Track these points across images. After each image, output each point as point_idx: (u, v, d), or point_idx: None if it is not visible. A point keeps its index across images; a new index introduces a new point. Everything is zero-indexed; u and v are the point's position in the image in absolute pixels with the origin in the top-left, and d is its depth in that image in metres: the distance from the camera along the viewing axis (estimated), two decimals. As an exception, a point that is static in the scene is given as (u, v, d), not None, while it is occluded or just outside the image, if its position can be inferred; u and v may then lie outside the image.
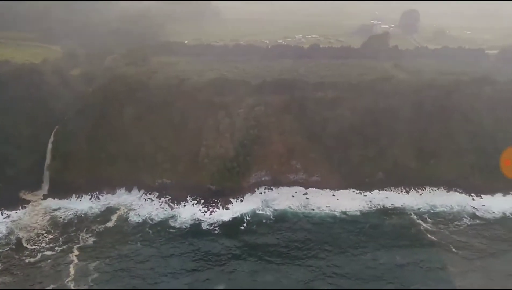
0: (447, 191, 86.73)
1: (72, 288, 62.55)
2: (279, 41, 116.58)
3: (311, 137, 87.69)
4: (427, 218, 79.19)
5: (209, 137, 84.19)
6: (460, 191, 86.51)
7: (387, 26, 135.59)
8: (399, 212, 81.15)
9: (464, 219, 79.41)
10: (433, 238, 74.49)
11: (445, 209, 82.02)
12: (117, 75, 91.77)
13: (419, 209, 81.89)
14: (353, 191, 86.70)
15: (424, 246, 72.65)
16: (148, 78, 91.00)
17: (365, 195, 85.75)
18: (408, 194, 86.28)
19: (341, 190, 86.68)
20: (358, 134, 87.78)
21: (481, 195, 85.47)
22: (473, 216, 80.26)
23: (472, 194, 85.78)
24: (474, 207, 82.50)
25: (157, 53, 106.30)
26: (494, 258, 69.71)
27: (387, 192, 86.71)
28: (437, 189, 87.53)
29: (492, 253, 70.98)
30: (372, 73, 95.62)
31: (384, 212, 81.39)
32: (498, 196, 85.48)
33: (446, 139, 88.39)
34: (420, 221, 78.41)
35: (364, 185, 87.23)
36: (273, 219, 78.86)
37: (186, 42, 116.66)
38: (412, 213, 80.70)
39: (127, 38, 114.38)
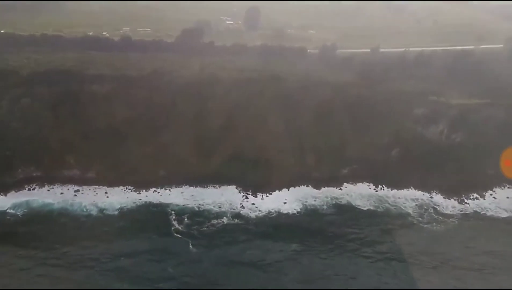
0: (227, 188, 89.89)
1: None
2: (103, 33, 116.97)
3: (87, 131, 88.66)
4: (185, 217, 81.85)
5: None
6: (239, 188, 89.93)
7: (232, 22, 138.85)
8: (160, 209, 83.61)
9: (225, 218, 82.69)
10: (178, 235, 77.75)
11: (213, 208, 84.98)
12: None
13: (185, 206, 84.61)
14: (129, 189, 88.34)
15: (166, 240, 76.71)
16: None
17: (140, 193, 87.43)
18: (189, 189, 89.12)
19: (118, 188, 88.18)
20: (135, 130, 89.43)
21: (257, 194, 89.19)
22: (236, 215, 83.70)
23: (249, 192, 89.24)
24: (242, 206, 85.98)
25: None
26: (220, 250, 75.11)
27: (165, 190, 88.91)
28: (219, 186, 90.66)
29: (229, 245, 76.31)
30: (167, 67, 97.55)
31: (147, 209, 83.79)
32: (275, 194, 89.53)
33: (229, 135, 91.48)
34: (174, 221, 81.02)
35: (143, 183, 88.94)
36: (21, 216, 79.29)
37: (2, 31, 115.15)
38: (173, 211, 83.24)
39: None
